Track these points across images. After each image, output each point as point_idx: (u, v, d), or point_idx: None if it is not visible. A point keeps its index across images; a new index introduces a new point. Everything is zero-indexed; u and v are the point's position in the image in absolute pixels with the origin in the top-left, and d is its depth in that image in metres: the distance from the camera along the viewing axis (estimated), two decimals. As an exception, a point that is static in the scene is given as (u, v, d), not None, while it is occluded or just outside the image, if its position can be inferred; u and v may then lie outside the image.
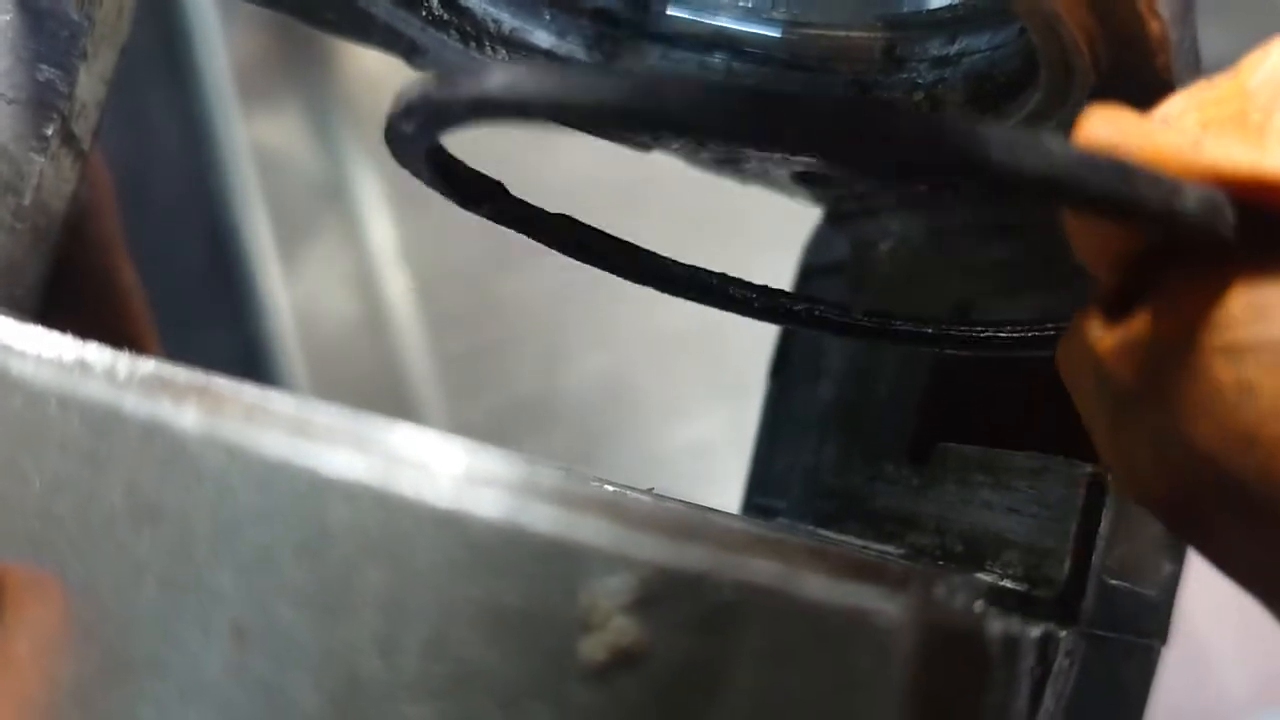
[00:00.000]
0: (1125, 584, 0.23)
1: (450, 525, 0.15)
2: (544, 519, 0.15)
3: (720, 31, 0.26)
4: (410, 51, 0.26)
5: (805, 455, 0.29)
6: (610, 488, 0.22)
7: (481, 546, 0.15)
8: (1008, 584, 0.22)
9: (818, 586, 0.16)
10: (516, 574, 0.15)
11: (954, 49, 0.24)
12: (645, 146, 0.28)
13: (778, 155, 0.26)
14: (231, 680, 0.16)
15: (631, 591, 0.15)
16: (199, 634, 0.16)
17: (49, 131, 0.23)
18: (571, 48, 0.26)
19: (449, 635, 0.15)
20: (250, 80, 0.68)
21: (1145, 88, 0.20)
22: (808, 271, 0.32)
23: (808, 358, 0.31)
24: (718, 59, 0.26)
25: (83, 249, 0.26)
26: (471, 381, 0.69)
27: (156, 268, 0.34)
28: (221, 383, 0.17)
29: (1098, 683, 0.22)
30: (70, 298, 0.26)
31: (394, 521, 0.15)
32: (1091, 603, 0.22)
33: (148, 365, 0.18)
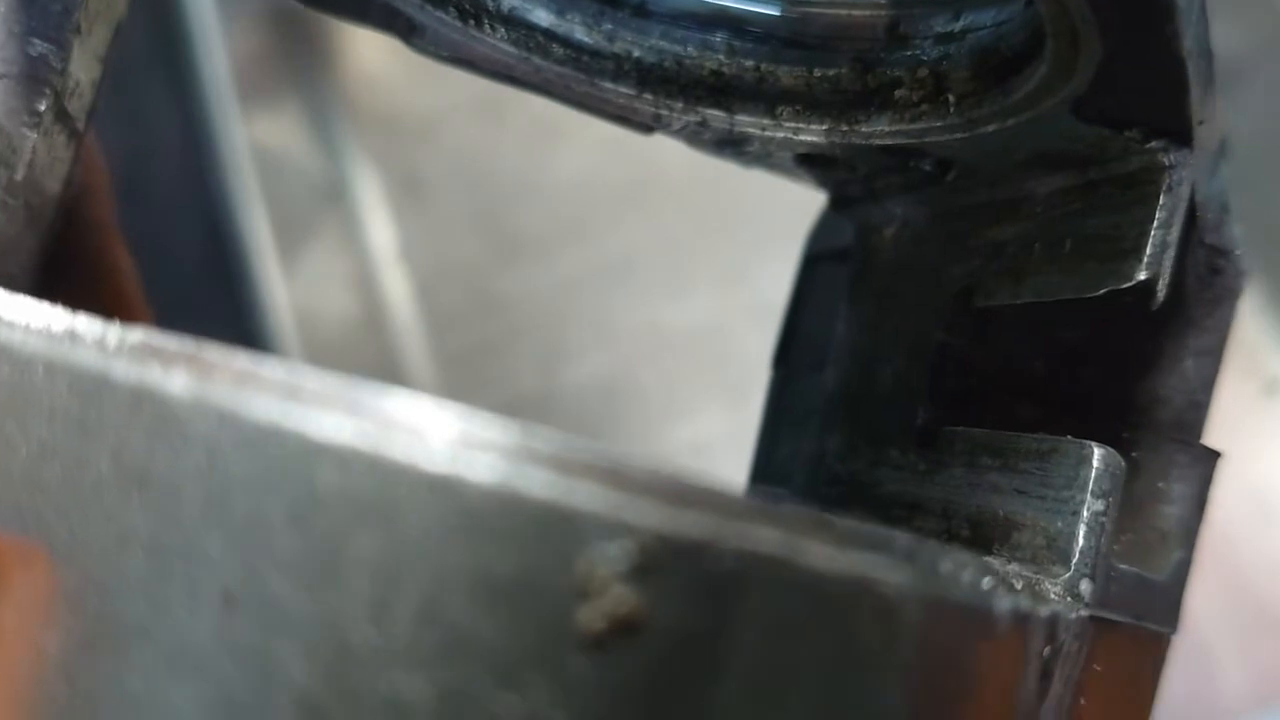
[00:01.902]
0: (1134, 569, 0.23)
1: (444, 490, 0.15)
2: (540, 484, 0.15)
3: (721, 10, 0.26)
4: (408, 31, 0.26)
5: (809, 442, 0.29)
6: (595, 451, 0.22)
7: (476, 512, 0.15)
8: (1016, 567, 0.22)
9: (822, 555, 0.15)
10: (512, 540, 0.15)
11: (959, 25, 0.24)
12: (648, 130, 0.28)
13: (780, 135, 0.26)
14: (221, 648, 0.15)
15: (630, 559, 0.15)
16: (187, 602, 0.15)
17: (41, 107, 0.23)
18: (571, 26, 0.26)
19: (442, 603, 0.15)
20: (250, 80, 0.68)
21: (1153, 56, 0.20)
22: (812, 258, 0.32)
23: (811, 345, 0.30)
24: (719, 38, 0.26)
25: (77, 231, 0.26)
26: (471, 381, 0.69)
27: (156, 267, 0.34)
28: (211, 350, 0.17)
29: (1107, 668, 0.22)
30: (65, 279, 0.25)
31: (386, 486, 0.15)
32: (1100, 587, 0.21)
33: (136, 334, 0.17)
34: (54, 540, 0.17)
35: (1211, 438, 0.25)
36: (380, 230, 0.71)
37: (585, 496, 0.15)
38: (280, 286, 0.66)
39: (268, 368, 0.16)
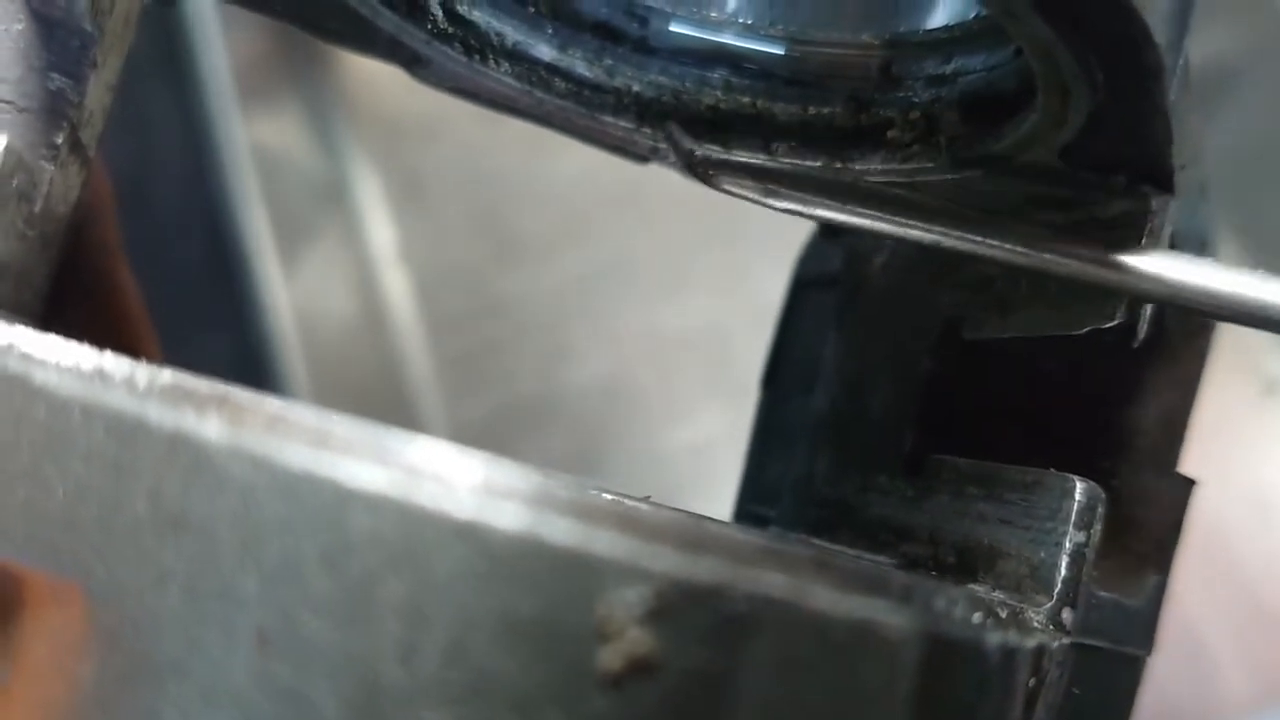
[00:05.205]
0: (1113, 596, 0.24)
1: (469, 536, 0.16)
2: (561, 531, 0.16)
3: (720, 47, 0.27)
4: (412, 62, 0.27)
5: (797, 464, 0.30)
6: (609, 496, 0.23)
7: (500, 557, 0.16)
8: (1000, 595, 0.23)
9: (826, 599, 0.16)
10: (534, 585, 0.16)
11: (949, 68, 0.24)
12: (644, 160, 0.29)
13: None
14: (254, 686, 0.16)
15: (647, 603, 0.16)
16: (223, 640, 0.16)
17: (59, 140, 0.23)
18: (573, 61, 0.27)
19: (468, 644, 0.16)
20: (250, 81, 0.68)
21: (1140, 110, 0.21)
22: (801, 283, 0.32)
23: (800, 368, 0.31)
24: (717, 75, 0.27)
25: (82, 252, 0.26)
26: (471, 381, 0.69)
27: (157, 268, 0.34)
28: (241, 393, 0.18)
29: (1085, 692, 0.23)
30: (69, 300, 0.26)
31: (414, 532, 0.16)
32: (1081, 614, 0.22)
33: (165, 375, 0.18)
34: (90, 580, 0.17)
35: (1211, 438, 0.26)
36: (380, 230, 0.71)
37: (604, 543, 0.16)
38: (280, 287, 0.66)
39: (297, 412, 0.17)
